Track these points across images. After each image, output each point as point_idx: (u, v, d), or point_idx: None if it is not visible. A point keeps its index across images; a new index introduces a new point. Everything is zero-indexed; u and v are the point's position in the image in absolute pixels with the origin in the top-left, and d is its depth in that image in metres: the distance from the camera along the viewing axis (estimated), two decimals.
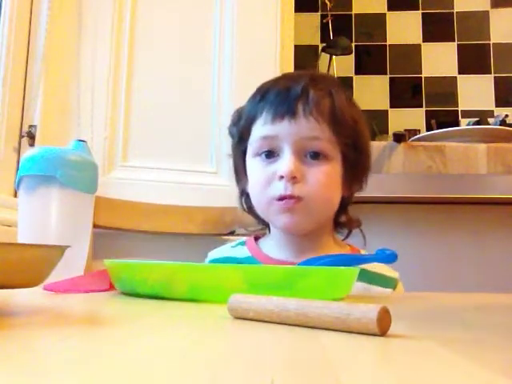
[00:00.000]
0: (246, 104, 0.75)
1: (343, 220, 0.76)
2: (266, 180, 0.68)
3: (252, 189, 0.73)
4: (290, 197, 0.66)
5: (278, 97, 0.69)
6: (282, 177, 0.66)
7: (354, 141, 0.71)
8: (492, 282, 1.02)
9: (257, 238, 0.80)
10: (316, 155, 0.68)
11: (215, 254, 0.80)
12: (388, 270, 0.74)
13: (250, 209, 0.78)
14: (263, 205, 0.70)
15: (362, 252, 0.76)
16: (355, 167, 0.72)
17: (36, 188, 0.58)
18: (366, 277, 0.70)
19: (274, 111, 0.68)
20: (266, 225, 0.79)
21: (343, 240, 0.78)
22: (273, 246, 0.75)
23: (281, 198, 0.67)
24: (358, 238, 0.77)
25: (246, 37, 1.24)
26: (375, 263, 0.71)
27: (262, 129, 0.70)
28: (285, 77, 0.75)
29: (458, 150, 1.09)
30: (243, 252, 0.77)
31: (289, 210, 0.67)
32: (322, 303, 0.27)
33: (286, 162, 0.66)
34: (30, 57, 1.19)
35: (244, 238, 0.81)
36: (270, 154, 0.69)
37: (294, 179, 0.66)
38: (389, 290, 0.73)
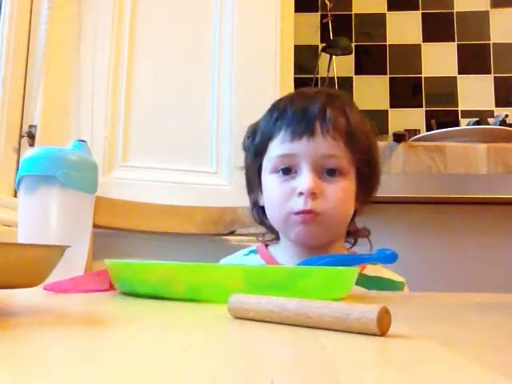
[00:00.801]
0: (262, 121, 0.76)
1: (351, 230, 0.78)
2: (285, 196, 0.70)
3: (269, 204, 0.74)
4: (309, 211, 0.68)
5: (296, 116, 0.71)
6: (301, 193, 0.68)
7: (367, 156, 0.73)
8: (492, 281, 1.01)
9: (266, 245, 0.81)
10: (332, 172, 0.70)
11: (228, 261, 0.81)
12: (395, 275, 0.76)
13: (263, 221, 0.79)
14: (281, 219, 0.72)
15: None
16: (368, 181, 0.75)
17: (36, 188, 0.58)
18: (376, 283, 0.71)
19: (293, 130, 0.70)
20: (275, 233, 0.80)
21: (350, 248, 0.80)
22: (285, 254, 0.77)
23: (299, 212, 0.68)
24: (362, 245, 0.78)
25: (246, 37, 1.24)
26: (382, 269, 0.73)
27: (280, 147, 0.71)
28: (300, 95, 0.76)
29: (457, 150, 1.09)
30: (256, 260, 0.78)
31: (304, 223, 0.69)
32: (322, 303, 0.27)
33: (305, 179, 0.68)
34: (29, 56, 1.19)
35: (255, 246, 0.82)
36: (288, 171, 0.71)
37: (313, 195, 0.68)
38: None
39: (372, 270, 0.73)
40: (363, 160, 0.73)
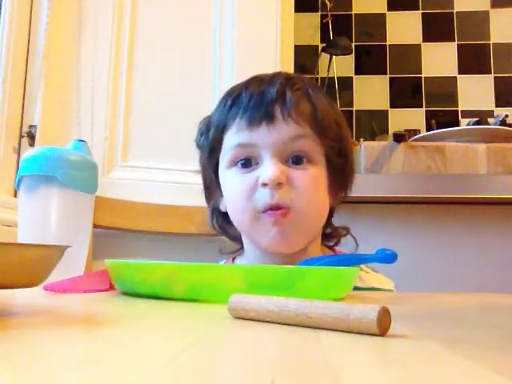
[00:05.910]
0: (215, 112, 0.68)
1: (329, 231, 0.71)
2: (248, 190, 0.61)
3: (231, 204, 0.65)
4: (277, 207, 0.59)
5: (252, 100, 0.62)
6: (265, 184, 0.59)
7: (338, 144, 0.65)
8: (492, 281, 1.01)
9: (233, 258, 0.74)
10: (299, 159, 0.62)
11: None
12: (383, 280, 0.69)
13: (224, 230, 0.70)
14: (247, 220, 0.62)
15: None
16: (340, 173, 0.66)
17: (36, 188, 0.58)
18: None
19: (250, 117, 0.61)
20: (240, 243, 0.72)
21: (333, 246, 0.72)
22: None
23: (267, 209, 0.60)
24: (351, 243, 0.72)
25: (246, 37, 1.24)
26: (370, 275, 0.67)
27: (236, 136, 0.63)
28: (256, 79, 0.67)
29: (458, 150, 1.09)
30: None
31: (277, 225, 0.60)
32: (322, 303, 0.27)
33: (268, 166, 0.60)
34: (30, 56, 1.19)
35: (222, 262, 0.76)
36: (248, 163, 0.63)
37: (279, 185, 0.59)
38: None
39: (360, 274, 0.65)
40: (334, 148, 0.64)
